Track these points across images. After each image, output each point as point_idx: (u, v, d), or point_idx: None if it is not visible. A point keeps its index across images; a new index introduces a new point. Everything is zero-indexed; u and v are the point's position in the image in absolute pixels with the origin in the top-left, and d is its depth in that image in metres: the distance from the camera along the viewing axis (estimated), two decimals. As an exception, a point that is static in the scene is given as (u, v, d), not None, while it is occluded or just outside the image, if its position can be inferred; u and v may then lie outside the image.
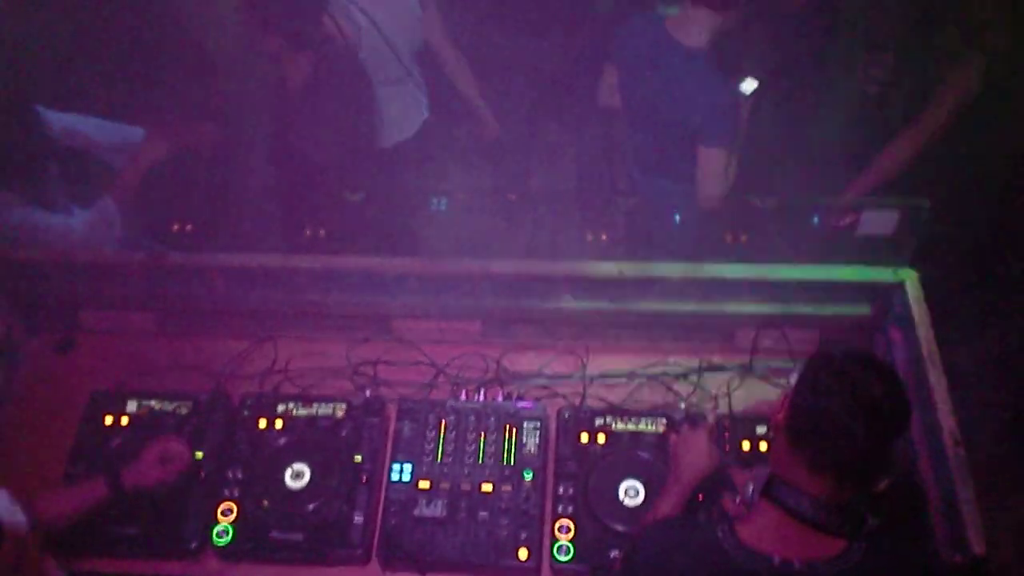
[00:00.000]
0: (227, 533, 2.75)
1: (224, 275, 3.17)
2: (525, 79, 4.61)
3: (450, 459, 2.84)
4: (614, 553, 2.63)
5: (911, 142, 3.59)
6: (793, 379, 2.04)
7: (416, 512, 2.74)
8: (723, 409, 2.99)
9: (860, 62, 4.06)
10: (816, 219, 3.62)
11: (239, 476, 2.84)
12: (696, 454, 2.51)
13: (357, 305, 3.19)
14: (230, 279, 3.19)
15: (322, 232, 3.80)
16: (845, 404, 1.89)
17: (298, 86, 3.57)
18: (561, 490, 2.77)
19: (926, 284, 2.95)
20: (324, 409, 2.96)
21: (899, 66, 3.89)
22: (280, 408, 2.97)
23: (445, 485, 2.79)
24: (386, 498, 2.79)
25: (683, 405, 3.00)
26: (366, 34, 3.87)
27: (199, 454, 2.86)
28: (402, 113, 4.17)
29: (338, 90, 3.64)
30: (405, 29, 3.98)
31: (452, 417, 2.92)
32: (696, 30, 3.40)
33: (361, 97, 3.78)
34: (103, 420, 2.96)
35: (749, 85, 3.46)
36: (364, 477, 2.81)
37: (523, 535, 2.69)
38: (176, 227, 3.73)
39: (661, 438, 2.84)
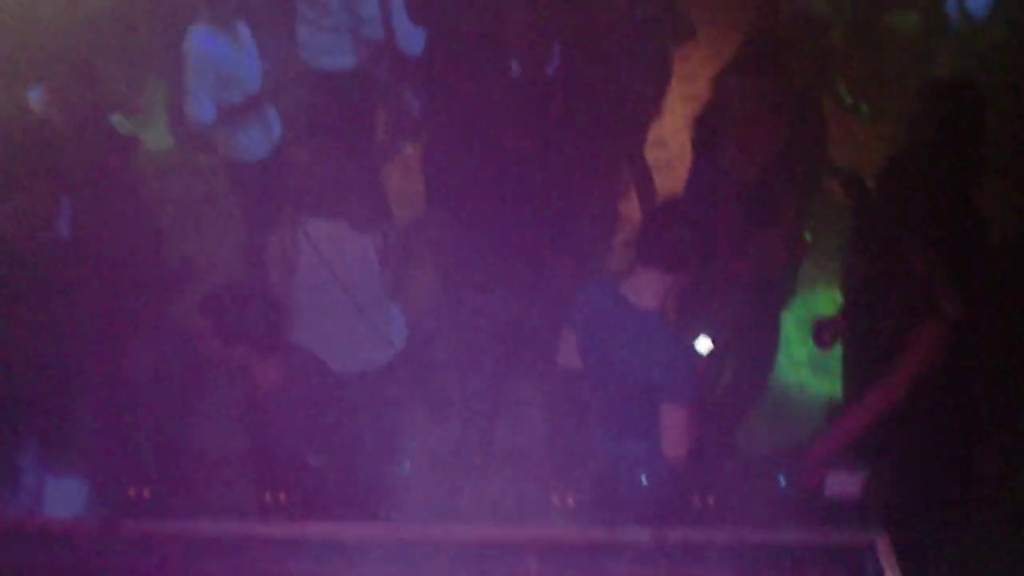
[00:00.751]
0: None
1: (180, 544, 3.07)
2: (492, 337, 4.69)
3: None
4: None
5: (873, 407, 3.63)
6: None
7: None
8: None
9: (816, 322, 4.19)
10: (782, 480, 3.61)
11: None
12: None
13: (318, 574, 3.08)
14: (186, 548, 3.08)
15: (282, 497, 3.71)
16: None
17: (269, 390, 3.59)
18: None
19: (898, 546, 2.91)
20: None
21: (851, 329, 4.00)
22: None
23: None
24: None
25: None
26: (317, 270, 4.02)
27: None
28: (360, 346, 4.23)
29: (311, 391, 3.65)
30: (363, 267, 4.13)
31: None
32: (649, 291, 3.48)
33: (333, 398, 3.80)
34: None
35: (704, 344, 3.52)
36: None
37: None
38: (132, 491, 3.63)
39: None
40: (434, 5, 5.16)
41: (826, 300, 4.60)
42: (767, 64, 4.34)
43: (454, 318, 4.80)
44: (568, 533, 3.04)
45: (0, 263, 3.67)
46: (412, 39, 5.57)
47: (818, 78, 4.73)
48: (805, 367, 5.37)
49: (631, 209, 6.19)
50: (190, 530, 3.08)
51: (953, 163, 3.97)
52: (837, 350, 4.16)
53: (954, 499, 3.82)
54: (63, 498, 3.61)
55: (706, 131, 4.50)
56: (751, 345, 4.81)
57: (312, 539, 3.07)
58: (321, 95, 5.01)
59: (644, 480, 3.73)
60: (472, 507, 4.73)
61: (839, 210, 5.23)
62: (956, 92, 4.19)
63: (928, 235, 3.58)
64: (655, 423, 3.54)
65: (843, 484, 3.37)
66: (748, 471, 4.67)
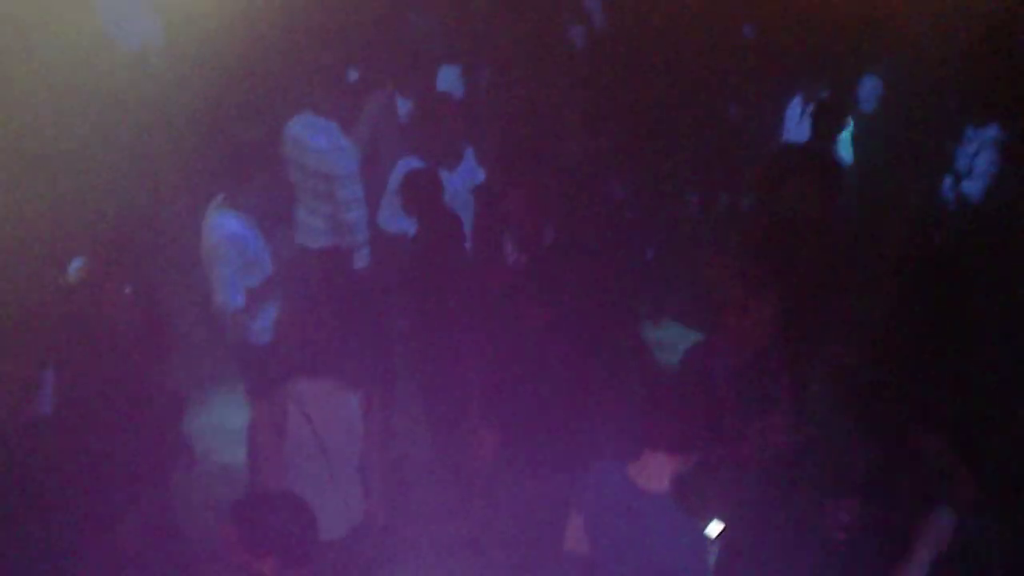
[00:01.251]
0: None
1: None
2: (496, 521, 4.59)
3: None
4: None
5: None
6: None
7: None
8: None
9: (825, 507, 4.09)
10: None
11: None
12: None
13: None
14: None
15: None
16: None
17: None
18: None
19: None
20: None
21: (864, 512, 3.91)
22: None
23: None
24: None
25: None
26: (305, 433, 4.02)
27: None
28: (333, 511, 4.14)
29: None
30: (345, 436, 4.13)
31: None
32: (657, 474, 3.46)
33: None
34: None
35: (714, 529, 3.47)
36: None
37: None
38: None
39: None
40: (427, 194, 5.24)
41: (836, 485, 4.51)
42: (760, 252, 4.41)
43: (456, 502, 4.71)
44: None
45: None
46: (402, 224, 5.66)
47: (815, 268, 4.78)
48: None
49: (634, 390, 6.16)
50: None
51: (954, 344, 3.97)
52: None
53: None
54: None
55: (701, 312, 4.53)
56: (763, 529, 4.70)
57: None
58: (315, 273, 5.04)
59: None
60: None
61: (845, 396, 5.20)
62: (949, 271, 4.24)
63: (936, 419, 3.56)
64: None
65: None
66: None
